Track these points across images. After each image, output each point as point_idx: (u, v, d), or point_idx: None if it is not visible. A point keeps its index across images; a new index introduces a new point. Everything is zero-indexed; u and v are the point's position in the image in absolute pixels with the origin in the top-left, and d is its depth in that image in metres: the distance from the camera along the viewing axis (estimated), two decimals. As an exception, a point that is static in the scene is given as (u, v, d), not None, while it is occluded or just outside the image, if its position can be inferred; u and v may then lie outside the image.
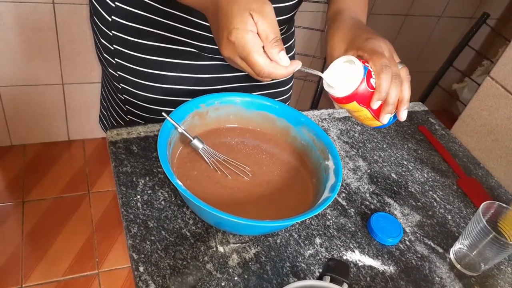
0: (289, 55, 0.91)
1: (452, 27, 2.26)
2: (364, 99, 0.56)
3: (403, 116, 0.60)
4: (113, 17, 0.74)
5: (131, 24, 0.74)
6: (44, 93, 1.70)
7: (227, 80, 0.83)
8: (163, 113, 0.63)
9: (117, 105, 0.87)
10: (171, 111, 0.65)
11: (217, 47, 0.74)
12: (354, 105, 0.57)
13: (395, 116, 0.61)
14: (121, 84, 0.80)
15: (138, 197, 0.64)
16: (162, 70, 0.78)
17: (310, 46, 1.92)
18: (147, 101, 0.81)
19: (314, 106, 1.46)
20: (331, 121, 0.91)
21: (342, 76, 0.56)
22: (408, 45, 2.24)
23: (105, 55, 0.79)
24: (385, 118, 0.59)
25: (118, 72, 0.79)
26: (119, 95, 0.83)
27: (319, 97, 1.43)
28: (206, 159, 0.66)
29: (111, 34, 0.76)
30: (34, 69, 1.62)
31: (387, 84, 0.55)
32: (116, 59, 0.78)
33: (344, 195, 0.75)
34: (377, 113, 0.59)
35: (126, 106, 0.84)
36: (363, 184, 0.78)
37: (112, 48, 0.77)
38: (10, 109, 1.68)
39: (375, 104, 0.57)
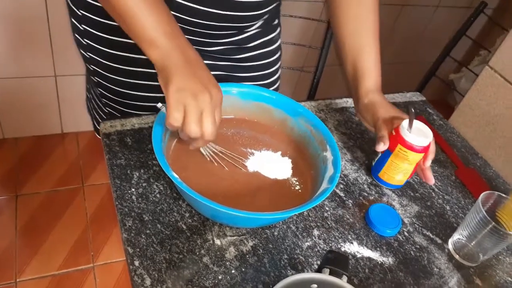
0: (273, 47, 0.89)
1: (449, 17, 2.24)
2: (425, 155, 0.70)
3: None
4: None
5: (96, 3, 0.71)
6: (36, 85, 1.67)
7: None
8: (157, 105, 0.61)
9: (95, 94, 0.86)
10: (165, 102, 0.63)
11: (190, 28, 0.70)
12: (419, 156, 0.69)
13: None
14: (92, 66, 0.80)
15: (133, 190, 0.63)
16: (130, 52, 0.76)
17: (306, 36, 1.90)
18: (118, 85, 0.80)
19: (311, 97, 1.44)
20: (329, 111, 0.89)
21: (418, 131, 0.69)
22: (405, 35, 2.22)
23: (76, 35, 0.79)
24: (432, 178, 0.72)
25: (89, 54, 0.78)
26: (91, 77, 0.82)
27: (316, 88, 1.42)
28: (202, 151, 0.65)
29: (79, 14, 0.75)
30: (25, 61, 1.59)
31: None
32: (85, 40, 0.77)
33: (342, 186, 0.74)
34: (411, 173, 0.73)
35: (100, 89, 0.83)
36: (361, 175, 0.77)
37: (82, 28, 0.76)
38: (1, 102, 1.66)
39: (428, 162, 0.70)
